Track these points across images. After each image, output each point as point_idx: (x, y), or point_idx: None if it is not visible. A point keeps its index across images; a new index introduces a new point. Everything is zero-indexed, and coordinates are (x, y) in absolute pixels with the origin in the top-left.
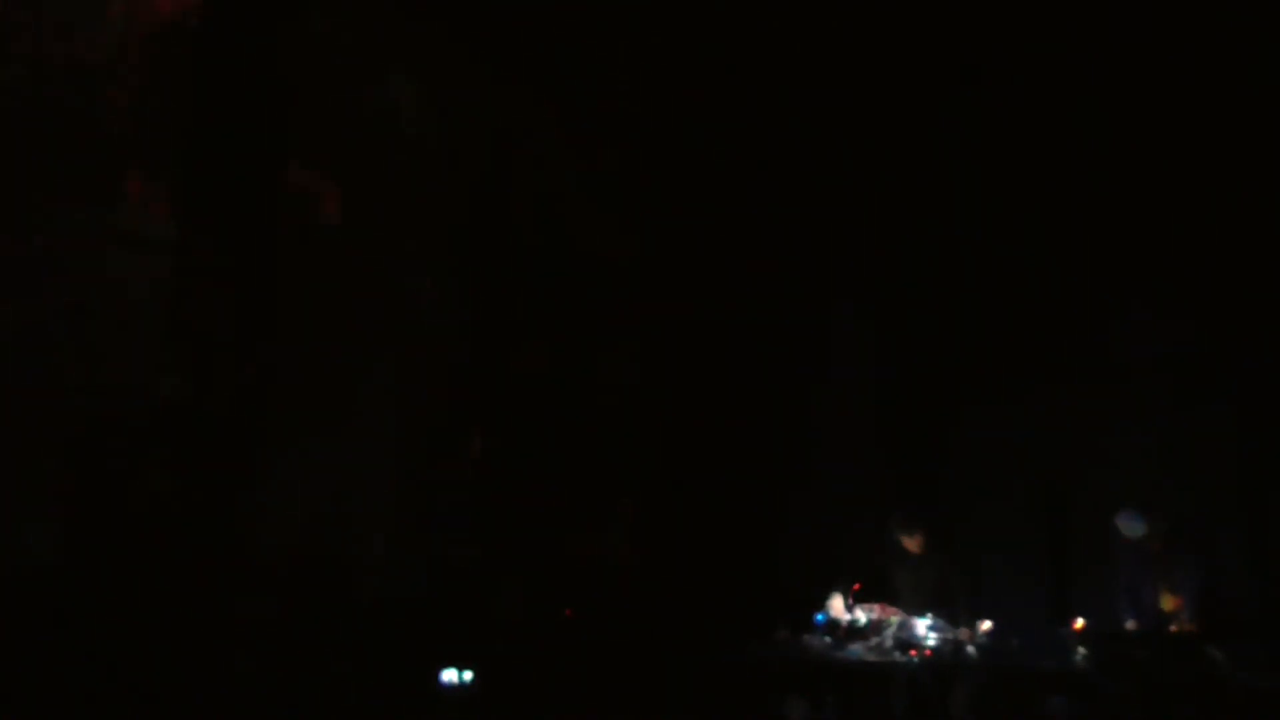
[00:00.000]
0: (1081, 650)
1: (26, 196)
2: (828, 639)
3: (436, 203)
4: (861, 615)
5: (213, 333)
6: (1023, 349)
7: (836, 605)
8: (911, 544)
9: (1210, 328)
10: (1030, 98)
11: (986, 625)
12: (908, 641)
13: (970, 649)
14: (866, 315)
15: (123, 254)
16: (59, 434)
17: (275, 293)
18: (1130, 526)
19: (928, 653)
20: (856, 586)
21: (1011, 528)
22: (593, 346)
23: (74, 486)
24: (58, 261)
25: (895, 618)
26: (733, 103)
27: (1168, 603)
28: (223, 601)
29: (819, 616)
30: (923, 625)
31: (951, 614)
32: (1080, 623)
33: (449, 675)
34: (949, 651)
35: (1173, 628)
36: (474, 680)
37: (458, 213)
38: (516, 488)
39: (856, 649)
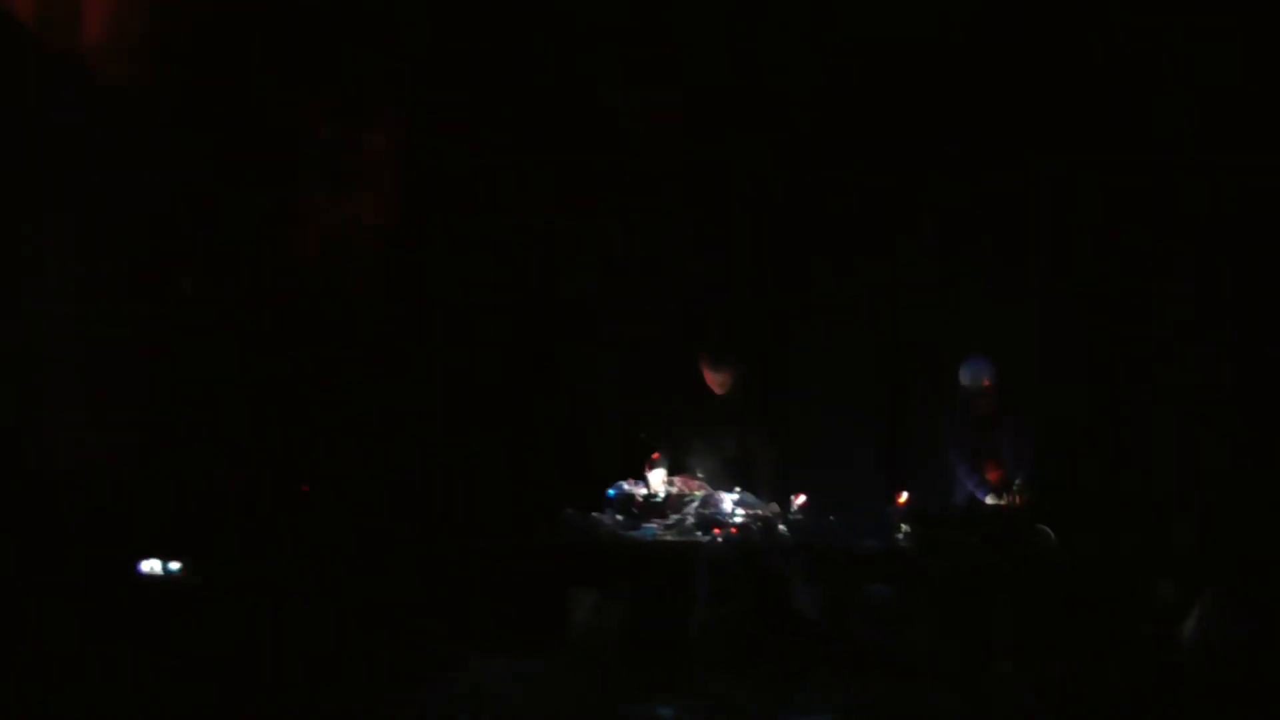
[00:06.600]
0: (904, 529)
1: None
2: (619, 517)
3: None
4: (660, 489)
5: None
6: (864, 191)
7: (655, 478)
8: (717, 382)
9: (1050, 175)
10: None
11: (801, 500)
12: (712, 519)
13: (781, 527)
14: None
15: None
16: None
17: None
18: (974, 374)
19: (733, 530)
20: (655, 455)
21: (836, 391)
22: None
23: None
24: None
25: (699, 492)
26: None
27: (994, 475)
28: None
29: (610, 491)
30: (729, 500)
31: (761, 484)
32: (904, 497)
33: (150, 566)
34: (758, 530)
35: (1003, 502)
36: (184, 570)
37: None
38: (241, 335)
39: (652, 527)
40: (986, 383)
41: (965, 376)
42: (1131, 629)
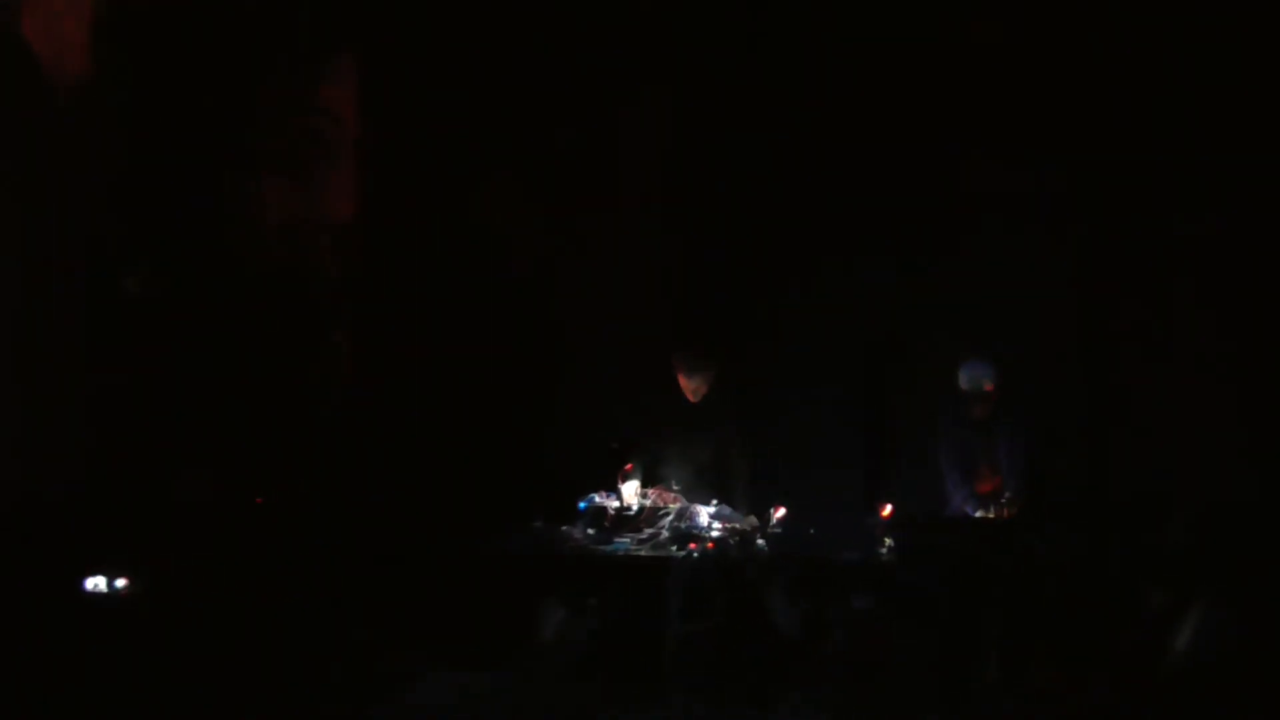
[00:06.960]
0: (888, 541)
1: None
2: (591, 531)
3: None
4: (633, 501)
5: None
6: (854, 193)
7: (628, 490)
8: (692, 388)
9: (1048, 175)
10: None
11: (780, 513)
12: (687, 533)
13: (760, 541)
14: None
15: None
16: None
17: None
18: (974, 378)
19: (710, 545)
20: (628, 466)
21: (818, 399)
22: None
23: None
24: None
25: (674, 505)
26: None
27: (985, 484)
28: None
29: (581, 503)
30: (706, 514)
31: (739, 496)
32: (888, 509)
33: (94, 583)
34: (735, 544)
35: (990, 514)
36: (129, 588)
37: None
38: (193, 337)
39: (625, 542)
40: (988, 386)
41: (965, 380)
42: (1124, 637)
